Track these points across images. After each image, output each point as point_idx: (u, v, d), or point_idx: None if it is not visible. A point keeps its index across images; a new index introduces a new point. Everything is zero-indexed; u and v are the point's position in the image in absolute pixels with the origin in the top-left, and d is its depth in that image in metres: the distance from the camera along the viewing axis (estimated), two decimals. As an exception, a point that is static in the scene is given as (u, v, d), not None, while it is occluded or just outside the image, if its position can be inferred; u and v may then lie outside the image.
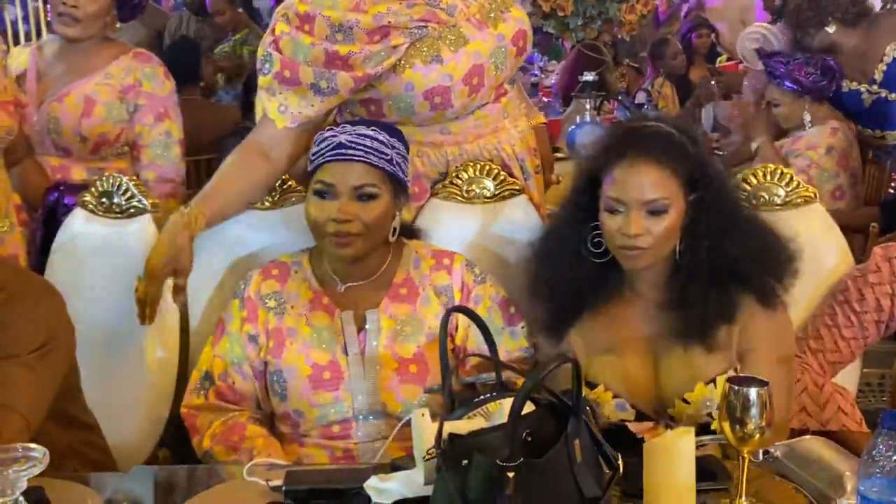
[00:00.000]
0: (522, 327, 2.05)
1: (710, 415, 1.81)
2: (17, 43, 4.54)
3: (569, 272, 1.90)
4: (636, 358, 1.90)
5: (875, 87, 3.58)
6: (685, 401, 1.85)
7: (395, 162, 1.97)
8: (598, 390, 1.89)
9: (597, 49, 5.42)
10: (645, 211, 1.80)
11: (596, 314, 1.92)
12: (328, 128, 1.99)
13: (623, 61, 6.33)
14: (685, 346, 1.84)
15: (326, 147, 1.94)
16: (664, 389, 1.88)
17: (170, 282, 2.05)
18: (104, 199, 2.28)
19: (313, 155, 1.98)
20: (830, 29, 3.58)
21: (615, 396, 1.88)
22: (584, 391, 1.87)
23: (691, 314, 1.83)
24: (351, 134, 1.94)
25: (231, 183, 2.19)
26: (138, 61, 2.69)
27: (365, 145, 1.93)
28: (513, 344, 2.02)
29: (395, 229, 2.00)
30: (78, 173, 2.69)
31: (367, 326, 1.96)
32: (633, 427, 1.71)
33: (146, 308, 2.00)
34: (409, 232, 2.13)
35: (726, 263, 1.84)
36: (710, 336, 1.83)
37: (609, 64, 5.39)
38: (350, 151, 1.92)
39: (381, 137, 1.95)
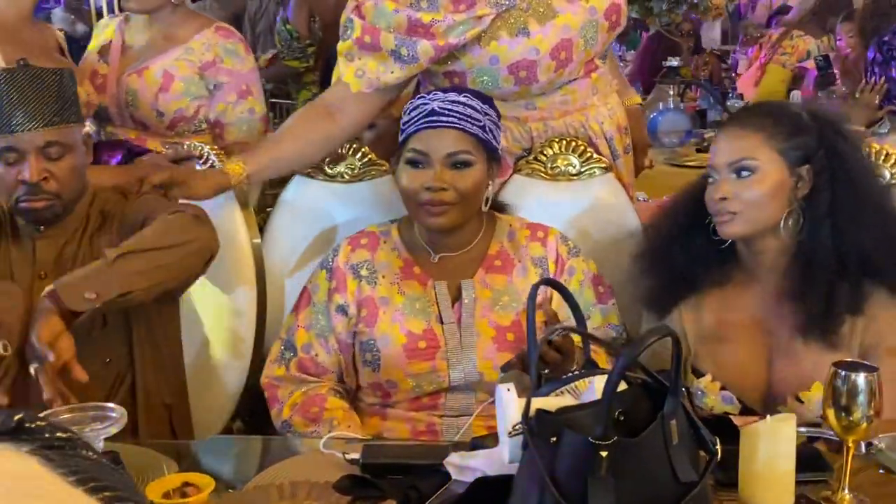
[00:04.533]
0: (613, 304, 1.99)
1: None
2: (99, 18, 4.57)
3: (685, 246, 1.83)
4: (748, 348, 1.80)
5: None
6: (799, 399, 1.74)
7: (487, 129, 1.91)
8: (705, 380, 1.80)
9: (672, 33, 5.31)
10: (731, 173, 1.75)
11: (707, 296, 1.84)
12: (419, 96, 1.94)
13: (705, 49, 6.18)
14: (804, 340, 1.73)
15: (418, 115, 1.89)
16: (776, 385, 1.77)
17: None
18: (188, 146, 2.25)
19: (404, 124, 1.92)
20: None
21: (722, 388, 1.79)
22: (690, 379, 1.82)
23: (814, 306, 1.72)
24: (443, 101, 1.89)
25: (287, 139, 2.17)
26: (220, 36, 2.62)
27: (457, 111, 1.87)
28: (601, 320, 1.96)
29: (487, 199, 1.94)
30: (154, 145, 2.64)
31: (462, 295, 1.92)
32: (737, 421, 1.61)
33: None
34: (497, 207, 2.06)
35: (856, 252, 1.72)
36: (832, 332, 1.72)
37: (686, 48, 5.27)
38: (443, 118, 1.87)
39: (473, 104, 1.89)
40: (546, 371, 1.63)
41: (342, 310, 1.94)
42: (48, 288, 1.66)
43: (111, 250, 1.74)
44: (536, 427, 1.25)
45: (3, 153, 1.83)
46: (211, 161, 2.23)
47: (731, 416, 1.69)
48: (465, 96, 1.90)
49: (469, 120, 1.87)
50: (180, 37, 2.62)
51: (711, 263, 1.83)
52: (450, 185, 1.86)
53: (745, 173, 1.74)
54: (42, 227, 1.91)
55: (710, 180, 1.79)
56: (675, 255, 1.85)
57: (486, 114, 1.91)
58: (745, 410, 1.78)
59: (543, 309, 1.91)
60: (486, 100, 1.95)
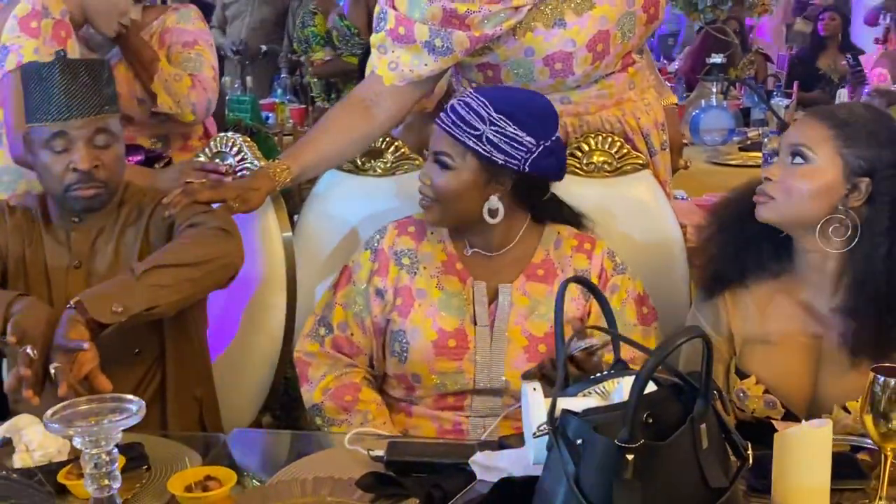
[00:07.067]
0: (655, 327, 1.94)
1: None
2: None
3: (744, 227, 1.77)
4: (795, 354, 1.74)
5: None
6: (846, 409, 1.69)
7: (486, 139, 1.82)
8: (749, 381, 1.75)
9: (723, 31, 5.22)
10: (787, 156, 1.70)
11: (756, 292, 1.78)
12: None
13: (751, 47, 6.10)
14: (853, 354, 1.68)
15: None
16: (822, 393, 1.72)
17: None
18: (217, 161, 2.26)
19: None
20: None
21: (766, 392, 1.74)
22: (733, 380, 1.77)
23: (864, 325, 1.66)
24: (458, 100, 1.87)
25: (327, 136, 2.16)
26: (172, 10, 2.72)
27: (458, 115, 1.84)
28: (641, 343, 1.89)
29: (492, 210, 1.87)
30: (143, 142, 2.70)
31: (499, 299, 1.89)
32: (779, 426, 1.56)
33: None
34: (573, 217, 2.01)
35: None
36: (882, 353, 1.63)
37: (736, 47, 5.17)
38: (441, 116, 1.88)
39: (481, 111, 1.83)
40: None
41: (380, 294, 1.94)
42: (74, 299, 1.67)
43: (139, 264, 1.75)
44: (562, 428, 1.22)
45: (52, 140, 1.85)
46: (244, 153, 2.23)
47: (773, 421, 1.64)
48: (479, 101, 1.85)
49: (463, 126, 1.83)
50: (141, 25, 2.69)
51: (764, 253, 1.77)
52: (429, 179, 1.89)
53: (797, 159, 1.68)
54: (77, 219, 1.92)
55: (773, 158, 1.74)
56: (733, 233, 1.79)
57: (494, 124, 1.82)
58: (789, 416, 1.73)
59: (573, 325, 1.87)
60: (507, 109, 1.83)
